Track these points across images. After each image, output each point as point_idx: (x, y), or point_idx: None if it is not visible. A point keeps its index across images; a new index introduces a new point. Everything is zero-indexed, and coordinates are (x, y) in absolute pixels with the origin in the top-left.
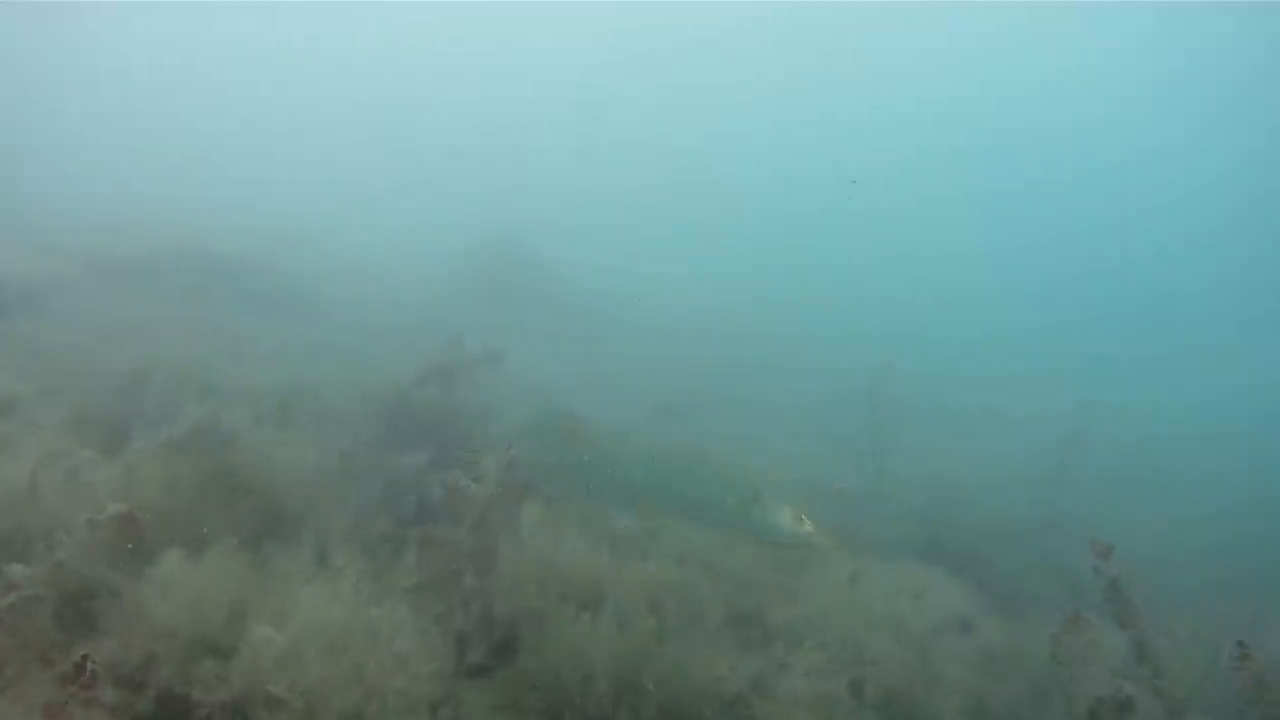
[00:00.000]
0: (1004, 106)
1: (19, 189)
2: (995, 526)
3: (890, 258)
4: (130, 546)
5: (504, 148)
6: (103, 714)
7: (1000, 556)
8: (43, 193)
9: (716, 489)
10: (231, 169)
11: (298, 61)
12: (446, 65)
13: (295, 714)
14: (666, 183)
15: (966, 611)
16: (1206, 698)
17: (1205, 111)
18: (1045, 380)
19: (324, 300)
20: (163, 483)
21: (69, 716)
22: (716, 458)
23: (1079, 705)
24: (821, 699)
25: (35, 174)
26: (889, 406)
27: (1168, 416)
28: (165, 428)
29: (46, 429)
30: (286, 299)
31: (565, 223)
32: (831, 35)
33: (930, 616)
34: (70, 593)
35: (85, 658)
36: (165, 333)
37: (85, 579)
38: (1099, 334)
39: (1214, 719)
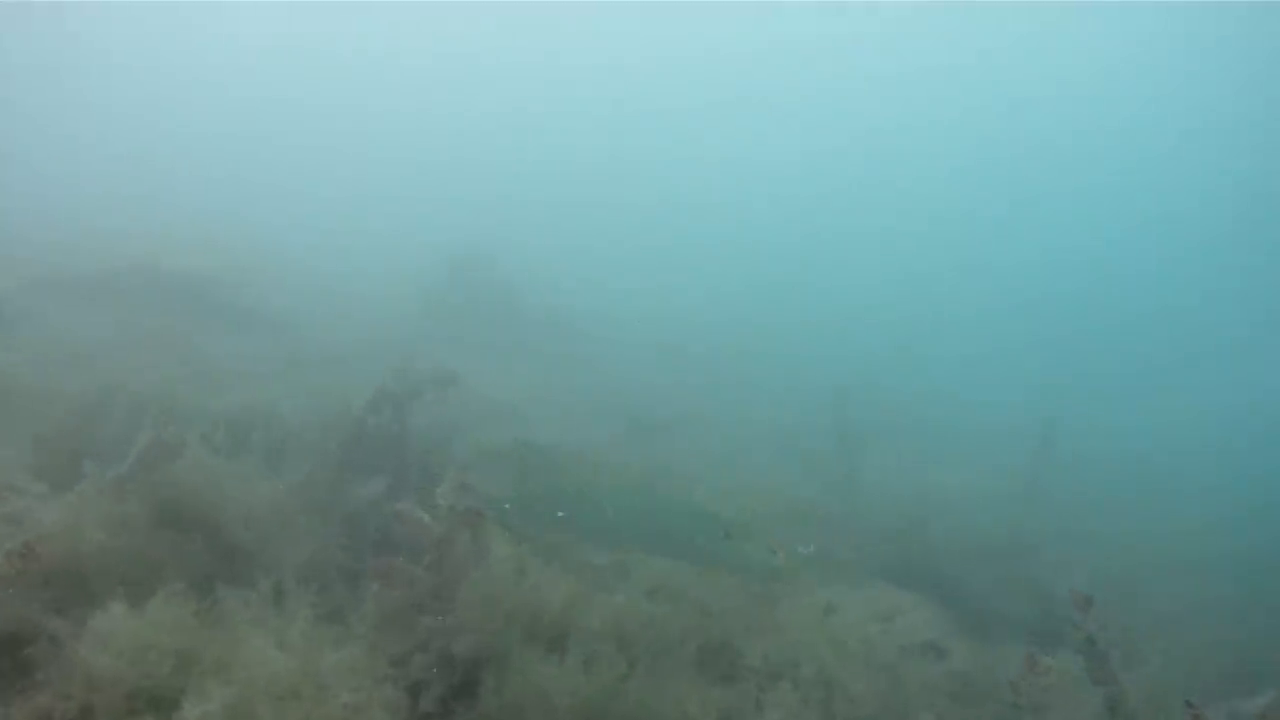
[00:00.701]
0: (999, 116)
1: None
2: (969, 546)
3: (875, 272)
4: (38, 583)
5: (475, 162)
6: None
7: (972, 577)
8: None
9: (690, 521)
10: (196, 182)
11: (268, 66)
12: (418, 75)
13: None
14: (642, 199)
15: (938, 636)
16: None
17: (1206, 115)
18: (1030, 394)
19: (289, 318)
20: (110, 521)
21: None
22: (689, 489)
23: None
24: None
25: None
26: (859, 424)
27: (1150, 430)
28: (115, 461)
29: None
30: (250, 317)
31: (536, 239)
32: (818, 40)
33: (901, 641)
34: (4, 638)
35: None
36: (123, 354)
37: (21, 623)
38: (1086, 346)
39: None
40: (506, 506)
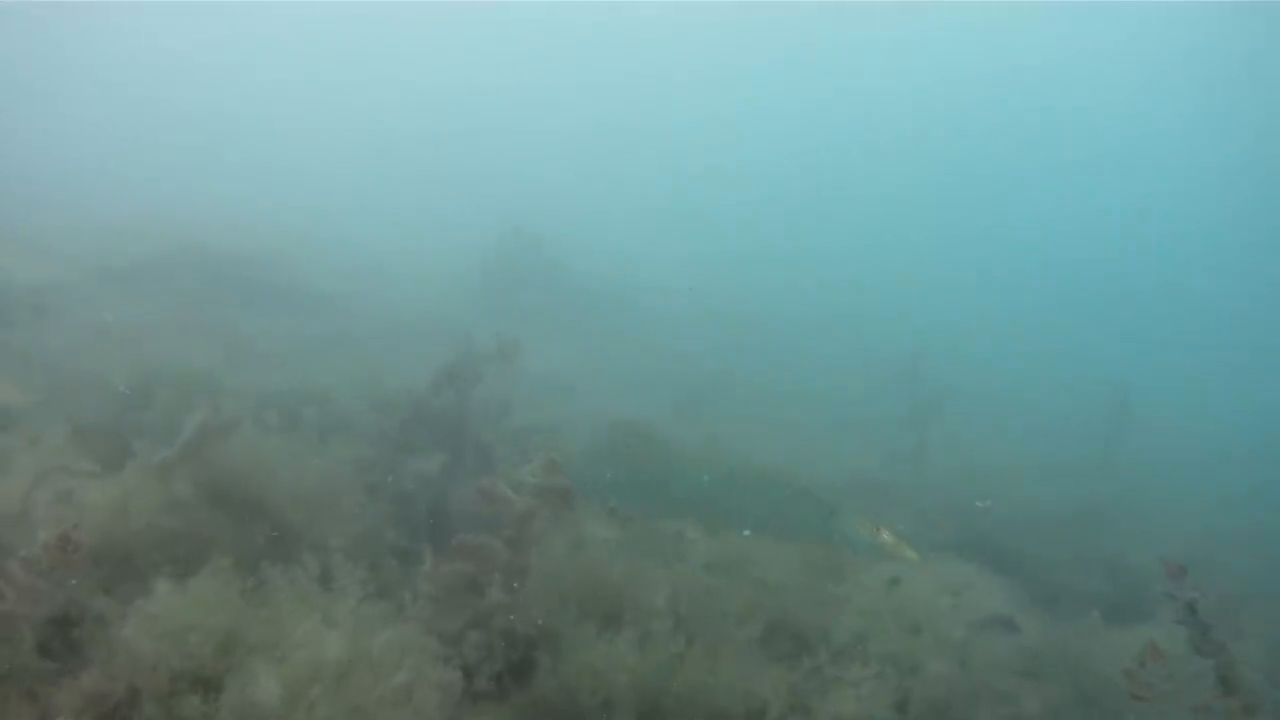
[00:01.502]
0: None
1: (18, 189)
2: (1036, 518)
3: (920, 242)
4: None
5: (521, 138)
6: None
7: (1042, 549)
8: (44, 193)
9: (793, 504)
10: (241, 165)
11: (307, 55)
12: (462, 57)
13: None
14: (689, 169)
15: (1007, 610)
16: None
17: (1195, 109)
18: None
19: (338, 299)
20: (160, 501)
21: None
22: (790, 472)
23: None
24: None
25: (35, 174)
26: (927, 393)
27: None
28: (165, 441)
29: (45, 442)
30: (298, 298)
31: (585, 212)
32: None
33: (971, 616)
34: (55, 618)
35: None
36: (170, 337)
37: (68, 603)
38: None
39: None
40: (614, 492)
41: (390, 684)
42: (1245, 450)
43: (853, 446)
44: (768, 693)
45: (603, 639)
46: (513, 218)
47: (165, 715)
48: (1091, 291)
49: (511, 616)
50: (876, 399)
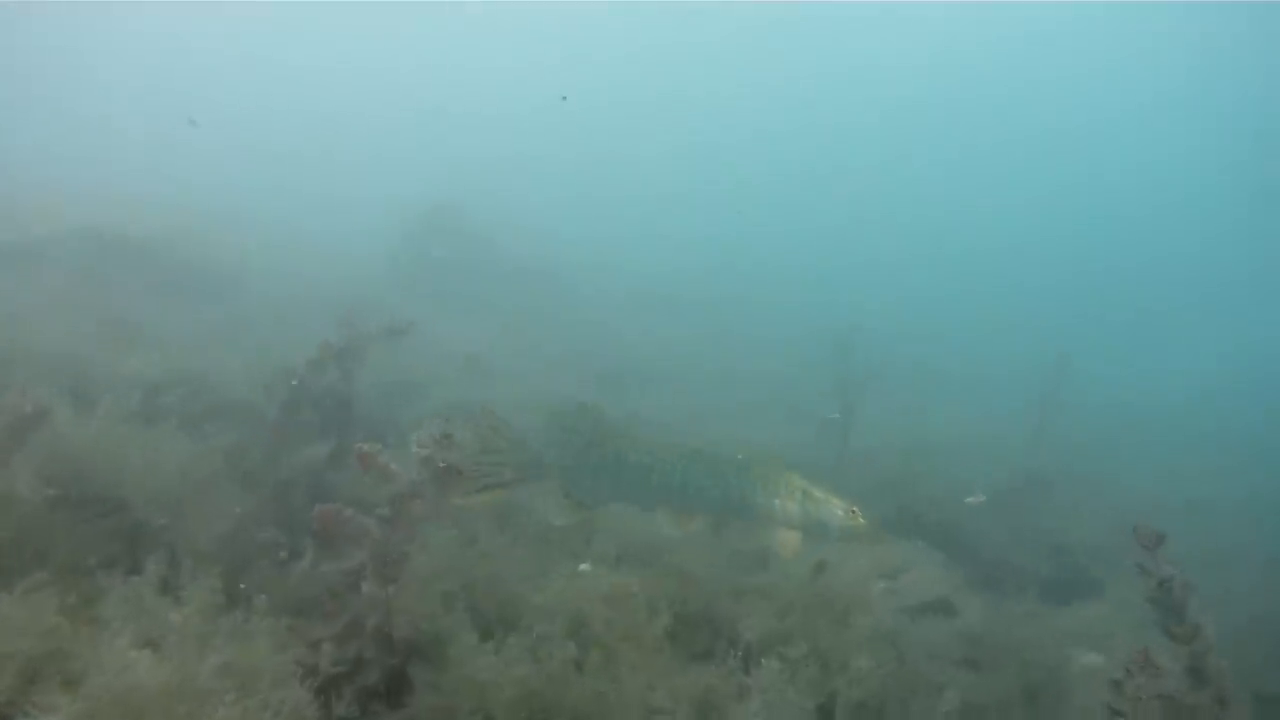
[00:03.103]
0: (1000, 98)
1: None
2: (971, 493)
3: (864, 219)
4: None
5: (446, 117)
6: None
7: (980, 526)
8: None
9: (753, 487)
10: (153, 144)
11: (227, 24)
12: (387, 33)
13: None
14: (620, 150)
15: (946, 592)
16: None
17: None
18: (1031, 338)
19: (244, 282)
20: None
21: None
22: (757, 455)
23: None
24: None
25: None
26: (856, 368)
27: (1147, 380)
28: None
29: None
30: (202, 282)
31: (517, 191)
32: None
33: (907, 600)
34: None
35: None
36: (48, 319)
37: None
38: (1086, 295)
39: None
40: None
41: (216, 717)
42: (1195, 426)
43: (781, 424)
44: (672, 703)
45: (488, 647)
46: (438, 196)
47: None
48: (1058, 273)
49: (383, 619)
50: (814, 378)
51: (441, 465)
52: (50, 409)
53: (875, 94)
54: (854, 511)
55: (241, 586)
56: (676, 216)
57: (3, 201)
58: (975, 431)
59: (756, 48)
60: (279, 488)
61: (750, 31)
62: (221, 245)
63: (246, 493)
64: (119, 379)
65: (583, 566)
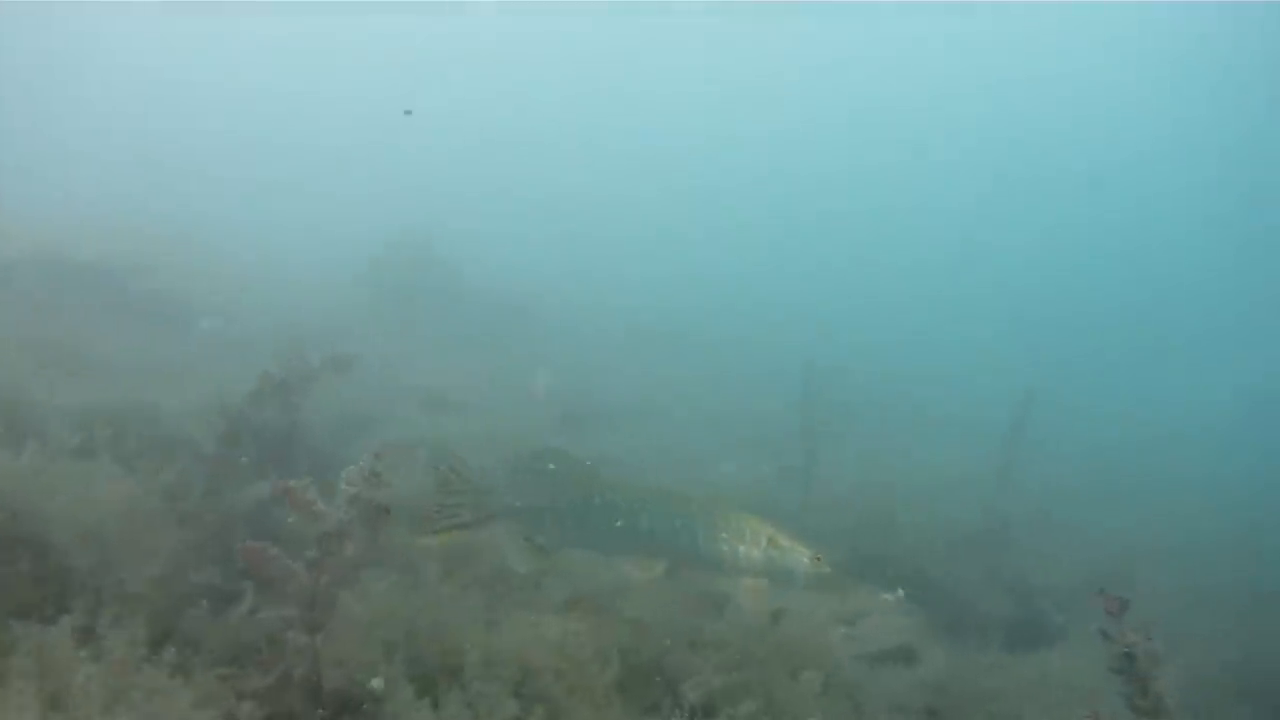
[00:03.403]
0: (983, 104)
1: None
2: (941, 537)
3: (846, 258)
4: None
5: (415, 146)
6: None
7: (945, 571)
8: None
9: (718, 533)
10: (114, 168)
11: (186, 49)
12: (351, 59)
13: None
14: (607, 185)
15: (908, 639)
16: None
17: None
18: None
19: (206, 307)
20: None
21: None
22: (722, 499)
23: None
24: None
25: None
26: (824, 407)
27: (1119, 420)
28: None
29: None
30: (161, 309)
31: (487, 225)
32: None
33: (867, 647)
34: None
35: None
36: None
37: None
38: (1068, 334)
39: None
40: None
41: None
42: (1184, 464)
43: (746, 465)
44: None
45: (424, 703)
46: (407, 227)
47: None
48: (1053, 308)
49: (311, 669)
50: (786, 418)
51: (371, 504)
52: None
53: (875, 133)
54: (819, 559)
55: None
56: (658, 253)
57: None
58: (954, 473)
59: (753, 82)
60: (217, 527)
61: (749, 64)
62: (183, 272)
63: (183, 532)
64: (57, 411)
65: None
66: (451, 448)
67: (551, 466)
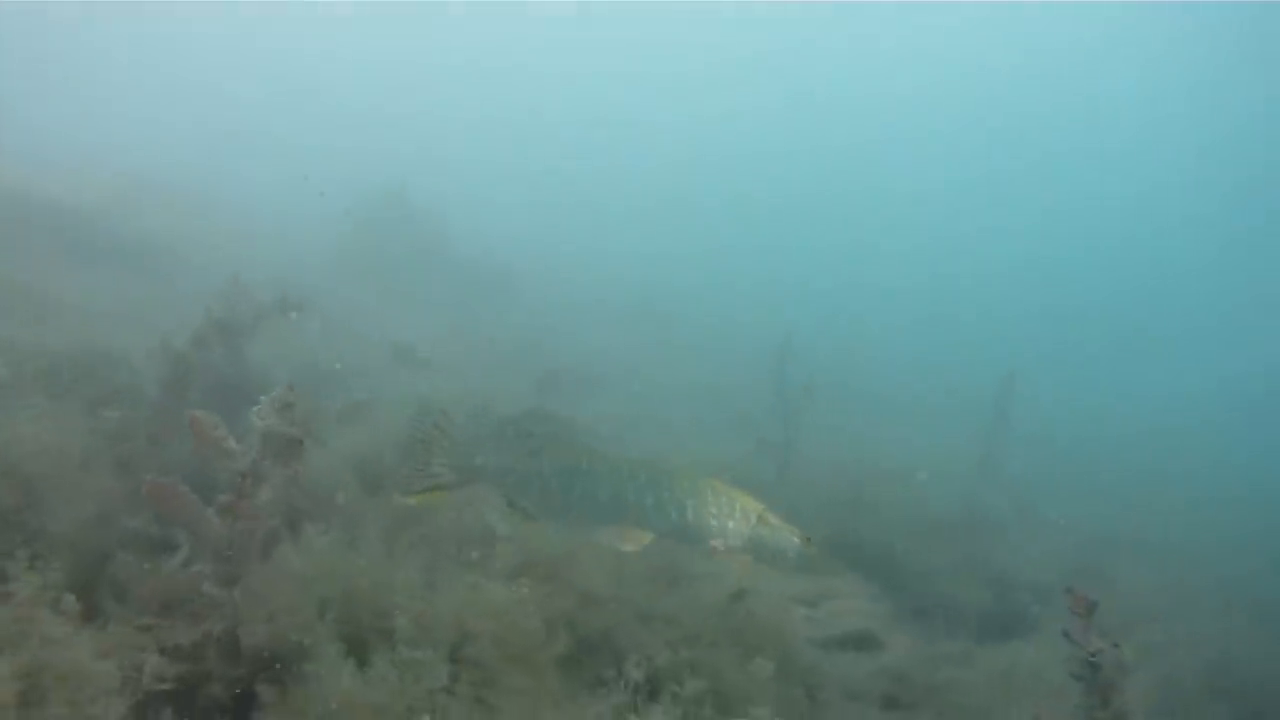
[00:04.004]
0: (971, 99)
1: None
2: (917, 521)
3: (834, 237)
4: None
5: (407, 113)
6: None
7: (918, 555)
8: None
9: (707, 508)
10: (101, 113)
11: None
12: (376, 30)
13: None
14: (591, 159)
15: (872, 625)
16: None
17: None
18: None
19: (180, 258)
20: None
21: None
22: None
23: None
24: None
25: None
26: (802, 382)
27: (1103, 411)
28: None
29: None
30: (133, 256)
31: (476, 189)
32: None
33: (828, 631)
34: None
35: None
36: None
37: None
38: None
39: None
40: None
41: None
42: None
43: (721, 438)
44: None
45: (350, 665)
46: (395, 188)
47: None
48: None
49: (230, 625)
50: (763, 395)
51: (285, 439)
52: None
53: (864, 110)
54: (808, 539)
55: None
56: (642, 226)
57: None
58: (933, 457)
59: (742, 61)
60: (157, 474)
61: (738, 44)
62: (161, 220)
63: (121, 479)
64: (12, 352)
65: None
66: (437, 403)
67: (539, 428)
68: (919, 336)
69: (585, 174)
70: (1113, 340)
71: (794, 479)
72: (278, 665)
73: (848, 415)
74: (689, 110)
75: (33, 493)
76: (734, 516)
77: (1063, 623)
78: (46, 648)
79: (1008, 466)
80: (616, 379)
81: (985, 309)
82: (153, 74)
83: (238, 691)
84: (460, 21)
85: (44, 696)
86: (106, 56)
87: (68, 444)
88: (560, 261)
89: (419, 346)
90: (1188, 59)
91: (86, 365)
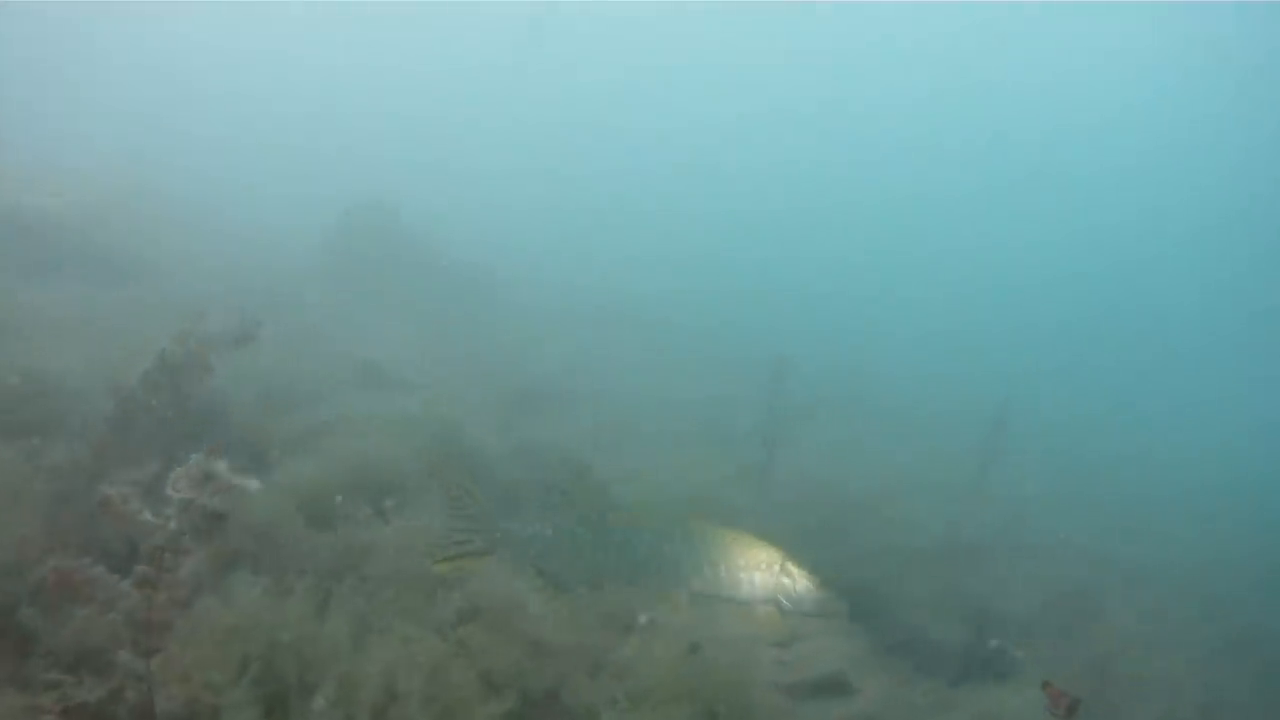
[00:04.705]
0: (967, 100)
1: None
2: (900, 550)
3: (826, 249)
4: None
5: (402, 118)
6: None
7: (900, 588)
8: None
9: (734, 561)
10: (70, 118)
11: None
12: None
13: None
14: (575, 165)
15: (845, 667)
16: None
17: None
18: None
19: (148, 269)
20: None
21: None
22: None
23: None
24: None
25: None
26: (789, 401)
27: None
28: None
29: None
30: (98, 267)
31: (454, 198)
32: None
33: (799, 675)
34: None
35: None
36: None
37: None
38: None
39: None
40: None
41: None
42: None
43: (704, 459)
44: None
45: None
46: (374, 195)
47: None
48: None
49: (143, 695)
50: (751, 410)
51: (208, 512)
52: None
53: (870, 127)
54: (827, 588)
55: None
56: (633, 234)
57: None
58: (925, 475)
59: (743, 62)
60: (90, 513)
61: (739, 46)
62: (130, 229)
63: (52, 518)
64: None
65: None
66: (459, 467)
67: (577, 490)
68: (922, 347)
69: (581, 179)
70: (1113, 356)
71: (776, 501)
72: None
73: (841, 430)
74: (686, 115)
75: None
76: (759, 569)
77: (1046, 664)
78: None
79: (1001, 486)
80: (602, 394)
81: (994, 320)
82: (133, 75)
83: None
84: (450, 22)
85: None
86: (87, 55)
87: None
88: (550, 269)
89: (393, 363)
90: (1208, 67)
91: (30, 391)
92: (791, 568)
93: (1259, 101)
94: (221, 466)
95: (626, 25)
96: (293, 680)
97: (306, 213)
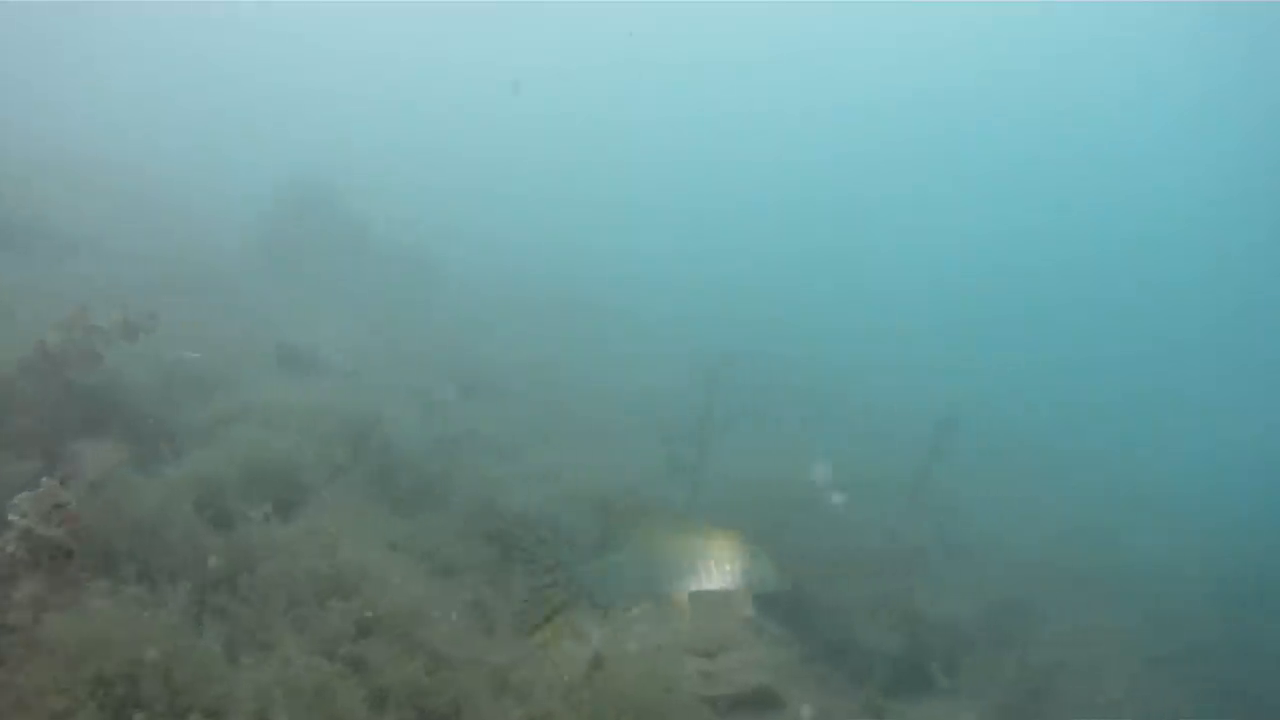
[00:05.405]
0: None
1: None
2: (834, 554)
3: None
4: None
5: (331, 100)
6: None
7: (831, 594)
8: None
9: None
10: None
11: None
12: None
13: None
14: (534, 150)
15: (771, 679)
16: None
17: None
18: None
19: (75, 247)
20: None
21: None
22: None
23: None
24: None
25: None
26: (730, 399)
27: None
28: None
29: None
30: (24, 239)
31: (404, 179)
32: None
33: (721, 689)
34: None
35: None
36: None
37: None
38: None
39: None
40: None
41: None
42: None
43: (634, 454)
44: None
45: None
46: (314, 176)
47: None
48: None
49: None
50: (691, 405)
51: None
52: None
53: (860, 125)
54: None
55: None
56: (581, 220)
57: None
58: (865, 477)
59: (733, 57)
60: None
61: (731, 41)
62: (58, 203)
63: None
64: None
65: None
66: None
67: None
68: (876, 344)
69: (567, 170)
70: (1096, 348)
71: (708, 502)
72: None
73: (792, 426)
74: (667, 109)
75: None
76: (737, 558)
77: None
78: None
79: (944, 490)
80: (539, 383)
81: (954, 319)
82: (70, 52)
83: None
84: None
85: None
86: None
87: None
88: (507, 255)
89: (322, 346)
90: (1204, 59)
91: None
92: (747, 547)
93: (1231, 108)
94: (69, 495)
95: (597, 14)
96: (161, 706)
97: (244, 190)
